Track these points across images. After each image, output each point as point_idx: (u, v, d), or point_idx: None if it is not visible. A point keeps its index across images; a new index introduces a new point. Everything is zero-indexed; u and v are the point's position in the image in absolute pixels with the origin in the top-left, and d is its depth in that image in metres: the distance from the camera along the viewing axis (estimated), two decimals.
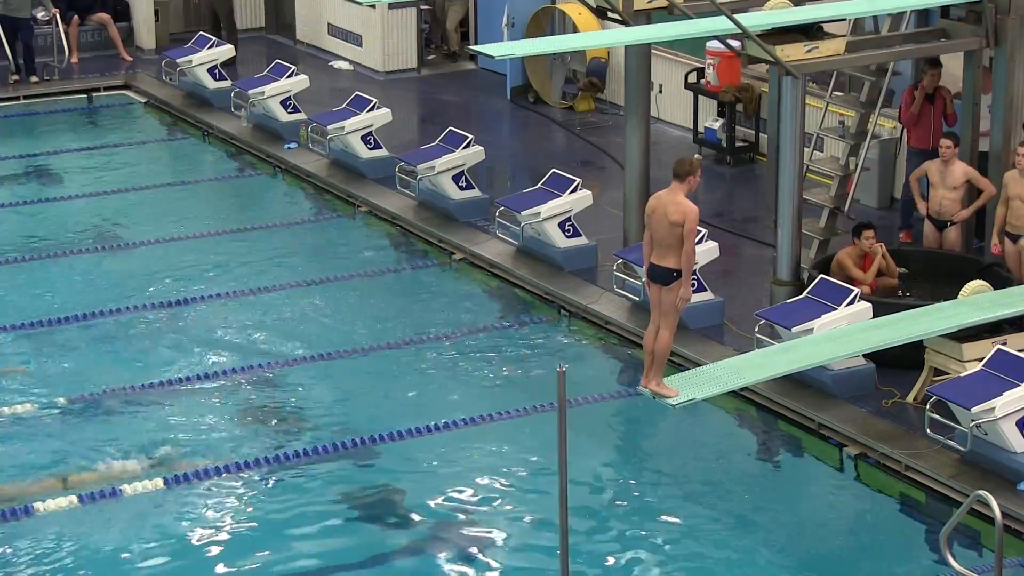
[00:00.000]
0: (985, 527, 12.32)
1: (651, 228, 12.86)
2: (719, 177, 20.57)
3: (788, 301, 15.01)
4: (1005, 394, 12.79)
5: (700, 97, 21.14)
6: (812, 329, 14.18)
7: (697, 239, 15.70)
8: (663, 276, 12.80)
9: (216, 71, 23.48)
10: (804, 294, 14.82)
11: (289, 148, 21.54)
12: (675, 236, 12.63)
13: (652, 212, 12.83)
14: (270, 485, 13.56)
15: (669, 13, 16.21)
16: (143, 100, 24.40)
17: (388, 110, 20.70)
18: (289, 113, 21.93)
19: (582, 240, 17.51)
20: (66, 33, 25.20)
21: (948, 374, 13.89)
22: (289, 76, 22.07)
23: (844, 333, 13.87)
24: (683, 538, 12.87)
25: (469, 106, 23.93)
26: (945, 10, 16.16)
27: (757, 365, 13.38)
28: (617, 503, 13.43)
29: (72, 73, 25.10)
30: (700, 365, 15.07)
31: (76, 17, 25.74)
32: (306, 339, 16.29)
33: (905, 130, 17.97)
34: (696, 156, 12.66)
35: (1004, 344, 13.54)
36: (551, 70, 23.48)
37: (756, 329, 14.86)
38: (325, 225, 19.83)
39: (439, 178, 18.96)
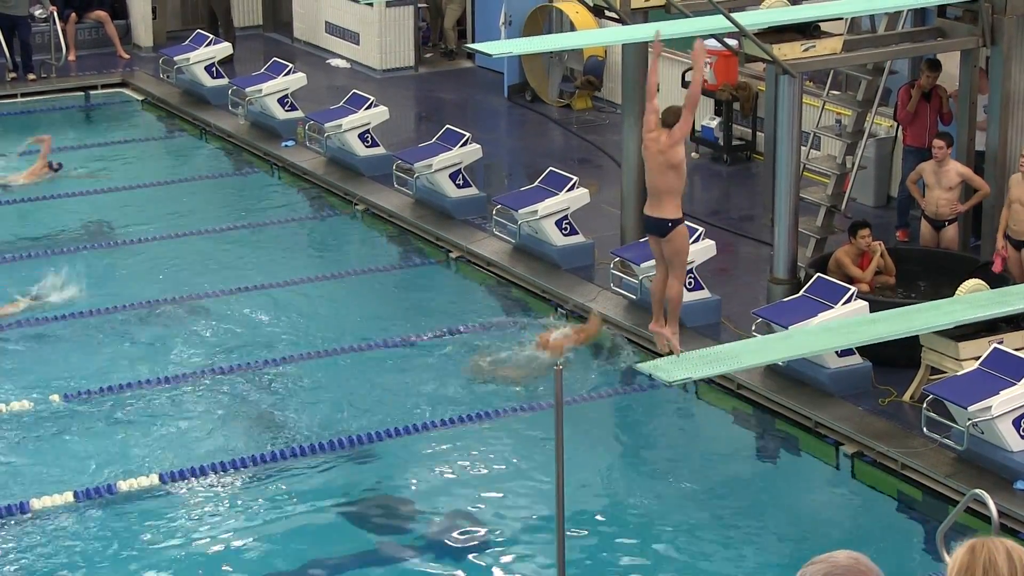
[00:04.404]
0: (982, 525, 12.32)
1: (647, 168, 12.48)
2: (716, 175, 20.58)
3: (785, 299, 15.02)
4: (1001, 393, 12.80)
5: None
6: (809, 327, 14.19)
7: (694, 237, 15.74)
8: (659, 227, 12.44)
9: (213, 69, 23.48)
10: (801, 292, 14.83)
11: (286, 146, 21.54)
12: (670, 181, 12.28)
13: (646, 149, 12.39)
14: (266, 483, 13.55)
15: (666, 11, 16.22)
16: (140, 98, 24.40)
17: (385, 108, 20.70)
18: (286, 111, 21.93)
19: (579, 238, 17.52)
20: (63, 31, 25.20)
21: (945, 373, 13.91)
22: (286, 74, 22.07)
23: (842, 325, 13.87)
24: (679, 536, 12.88)
25: (466, 104, 23.93)
26: (942, 9, 16.18)
27: (754, 350, 13.37)
28: (613, 501, 13.44)
29: (69, 71, 25.10)
30: None
31: (73, 15, 25.75)
32: (303, 337, 16.29)
33: (901, 128, 17.99)
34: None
35: (1001, 343, 13.55)
36: (548, 68, 23.49)
37: (753, 327, 14.86)
38: (322, 223, 19.84)
39: (436, 176, 18.96)
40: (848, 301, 14.36)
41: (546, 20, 23.40)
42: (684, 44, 21.03)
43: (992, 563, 4.55)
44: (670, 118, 12.37)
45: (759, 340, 13.88)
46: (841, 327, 13.81)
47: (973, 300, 13.95)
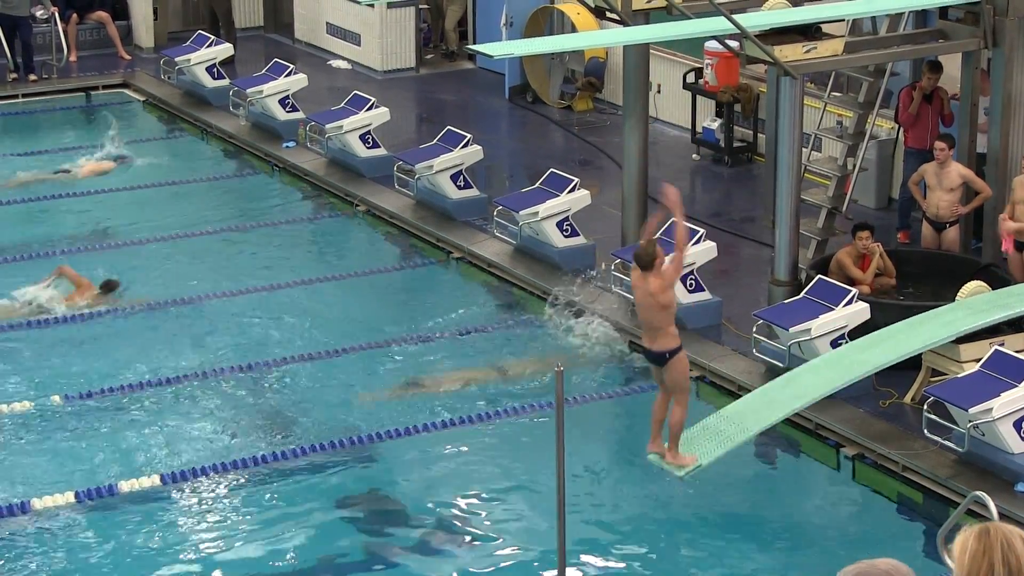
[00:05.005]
0: None
1: (637, 304, 12.62)
2: (717, 177, 20.58)
3: (786, 301, 15.01)
4: (1002, 395, 12.79)
5: (698, 97, 21.14)
6: (810, 329, 14.19)
7: (695, 239, 15.74)
8: (657, 359, 12.54)
9: (214, 70, 23.47)
10: (802, 294, 14.83)
11: (287, 147, 21.54)
12: (662, 319, 12.28)
13: (635, 288, 12.52)
14: (266, 484, 13.55)
15: (667, 13, 16.21)
16: (142, 99, 24.40)
17: (386, 109, 20.69)
18: (287, 112, 21.93)
19: (580, 239, 17.51)
20: (65, 31, 25.19)
21: (946, 375, 13.90)
22: (287, 75, 22.06)
23: (844, 356, 13.74)
24: (680, 539, 12.87)
25: (467, 105, 23.93)
26: (943, 11, 16.17)
27: (760, 410, 13.14)
28: (614, 503, 13.43)
29: (71, 71, 25.09)
30: (699, 364, 15.11)
31: (75, 15, 25.74)
32: (304, 337, 16.28)
33: (903, 130, 17.99)
34: (652, 239, 12.32)
35: (1002, 345, 13.54)
36: (549, 70, 23.48)
37: (754, 329, 14.86)
38: (323, 224, 19.84)
39: (437, 177, 18.96)
40: (849, 303, 14.35)
41: (547, 21, 23.39)
42: (686, 45, 21.05)
43: (1010, 546, 4.47)
44: (645, 259, 12.17)
45: (762, 393, 13.54)
46: (843, 358, 13.66)
47: (974, 305, 13.93)
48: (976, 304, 13.96)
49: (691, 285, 15.93)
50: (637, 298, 12.56)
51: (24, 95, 24.26)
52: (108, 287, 17.15)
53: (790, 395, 13.26)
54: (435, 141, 19.44)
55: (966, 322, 13.54)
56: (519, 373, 15.51)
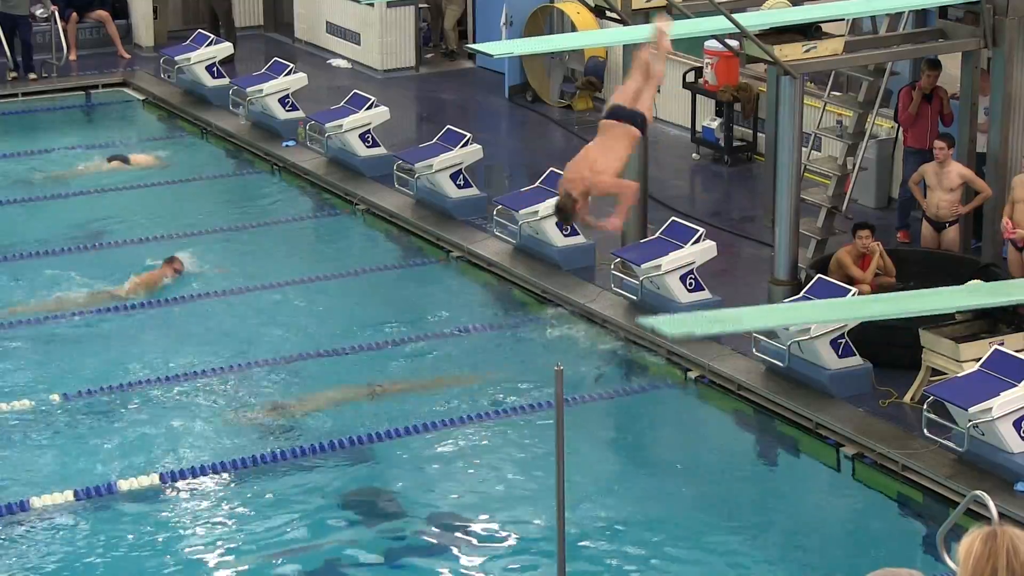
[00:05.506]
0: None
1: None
2: (717, 177, 20.58)
3: (785, 301, 15.00)
4: (1002, 395, 12.79)
5: (698, 96, 21.13)
6: (809, 329, 14.19)
7: (695, 238, 15.75)
8: (629, 115, 10.94)
9: (214, 69, 23.47)
10: (801, 294, 14.82)
11: (287, 146, 21.53)
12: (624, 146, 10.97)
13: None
14: (265, 483, 13.54)
15: (667, 12, 16.19)
16: (141, 98, 24.38)
17: (386, 108, 20.69)
18: (287, 111, 21.92)
19: (580, 239, 17.51)
20: (64, 30, 25.18)
21: (945, 374, 13.89)
22: (287, 74, 22.05)
23: (844, 301, 13.75)
24: (680, 538, 12.86)
25: (467, 105, 23.92)
26: (943, 10, 16.18)
27: (756, 314, 13.16)
28: (614, 502, 13.42)
29: (70, 70, 25.09)
30: (699, 364, 15.13)
31: (74, 14, 25.73)
32: (303, 337, 16.28)
33: (902, 130, 17.98)
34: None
35: (1001, 345, 13.54)
36: (549, 69, 23.48)
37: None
38: (323, 223, 19.84)
39: (437, 176, 18.95)
40: None
41: (547, 21, 23.39)
42: (686, 45, 21.04)
43: (1016, 552, 4.44)
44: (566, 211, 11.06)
45: (762, 306, 13.70)
46: (843, 303, 13.67)
47: (974, 289, 13.85)
48: (976, 289, 13.83)
49: (691, 285, 15.93)
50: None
51: (24, 94, 24.25)
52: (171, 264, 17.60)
53: (790, 313, 13.13)
54: (435, 140, 19.44)
55: (967, 300, 13.34)
56: (517, 372, 15.50)
